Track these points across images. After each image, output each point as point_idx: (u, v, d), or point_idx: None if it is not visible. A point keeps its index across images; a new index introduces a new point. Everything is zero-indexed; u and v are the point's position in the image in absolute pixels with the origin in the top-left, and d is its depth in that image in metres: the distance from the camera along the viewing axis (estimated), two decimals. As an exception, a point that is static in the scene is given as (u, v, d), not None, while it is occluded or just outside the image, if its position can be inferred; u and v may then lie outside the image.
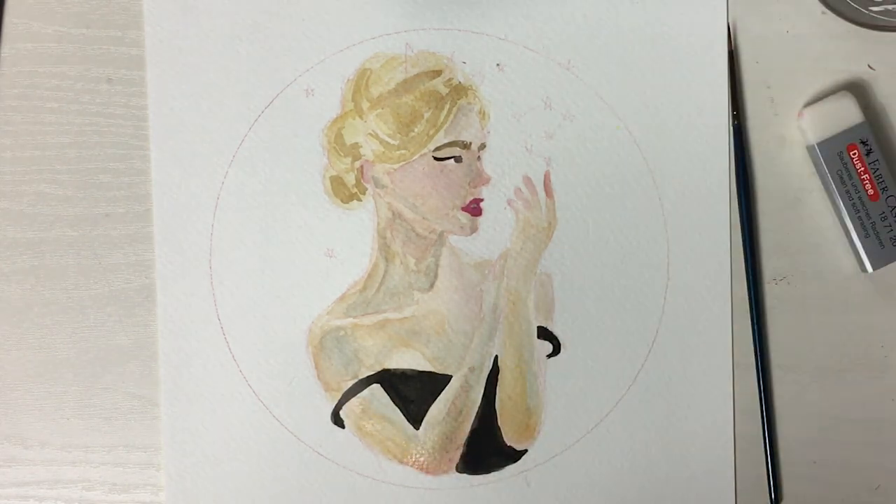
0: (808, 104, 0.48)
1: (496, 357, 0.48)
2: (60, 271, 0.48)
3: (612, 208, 0.49)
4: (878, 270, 0.48)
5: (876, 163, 0.47)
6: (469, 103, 0.48)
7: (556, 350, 0.48)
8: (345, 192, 0.48)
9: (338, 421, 0.48)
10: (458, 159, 0.48)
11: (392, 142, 0.48)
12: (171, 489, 0.48)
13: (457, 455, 0.48)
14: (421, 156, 0.48)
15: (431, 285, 0.48)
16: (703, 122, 0.48)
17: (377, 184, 0.48)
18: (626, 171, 0.48)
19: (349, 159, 0.48)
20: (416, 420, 0.48)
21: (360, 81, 0.48)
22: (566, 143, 0.48)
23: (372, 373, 0.48)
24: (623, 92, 0.48)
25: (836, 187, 0.47)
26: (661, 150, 0.49)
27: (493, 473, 0.48)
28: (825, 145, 0.47)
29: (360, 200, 0.48)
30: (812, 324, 0.49)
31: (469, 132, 0.48)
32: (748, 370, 0.49)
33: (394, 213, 0.48)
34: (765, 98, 0.49)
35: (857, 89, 0.49)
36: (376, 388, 0.48)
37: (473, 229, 0.48)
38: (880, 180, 0.47)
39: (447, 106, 0.48)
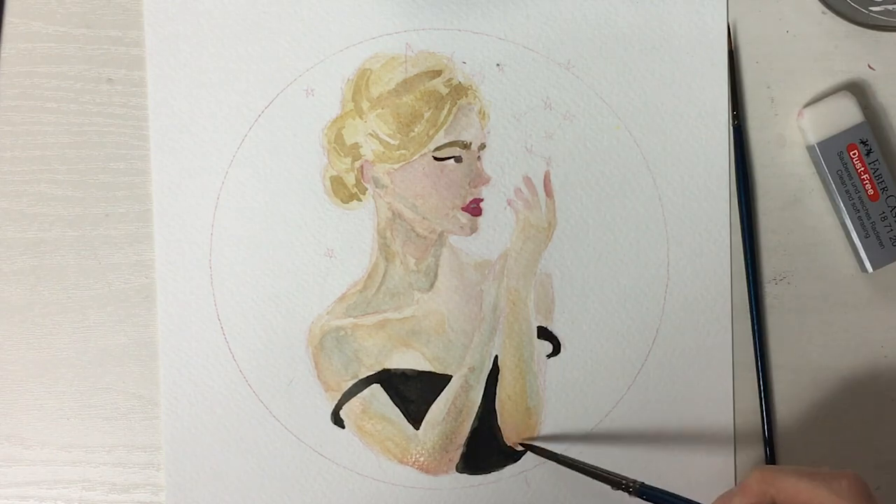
0: (808, 104, 0.48)
1: (496, 357, 0.48)
2: (60, 271, 0.48)
3: (612, 208, 0.49)
4: (878, 270, 0.48)
5: (876, 163, 0.47)
6: (469, 103, 0.48)
7: (556, 350, 0.48)
8: (345, 192, 0.48)
9: (338, 421, 0.48)
10: (458, 159, 0.48)
11: (392, 142, 0.48)
12: (171, 489, 0.48)
13: (457, 455, 0.48)
14: (421, 156, 0.48)
15: (431, 285, 0.48)
16: (703, 122, 0.48)
17: (377, 184, 0.48)
18: (626, 171, 0.48)
19: (349, 159, 0.48)
20: (416, 420, 0.48)
21: (361, 81, 0.48)
22: (566, 143, 0.48)
23: (372, 373, 0.48)
24: (623, 92, 0.48)
25: (836, 187, 0.47)
26: (661, 150, 0.49)
27: (493, 473, 0.48)
28: (825, 145, 0.47)
29: (360, 200, 0.48)
30: (812, 324, 0.49)
31: (469, 132, 0.48)
32: (748, 370, 0.49)
33: (394, 213, 0.48)
34: (765, 98, 0.49)
35: (857, 89, 0.49)
36: (376, 388, 0.48)
37: (473, 229, 0.48)
38: (880, 180, 0.47)
39: (447, 106, 0.48)
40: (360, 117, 0.48)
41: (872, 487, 0.37)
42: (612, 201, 0.49)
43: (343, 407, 0.48)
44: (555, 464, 0.47)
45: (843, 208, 0.47)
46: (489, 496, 0.48)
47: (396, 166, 0.48)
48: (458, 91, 0.48)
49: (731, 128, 0.49)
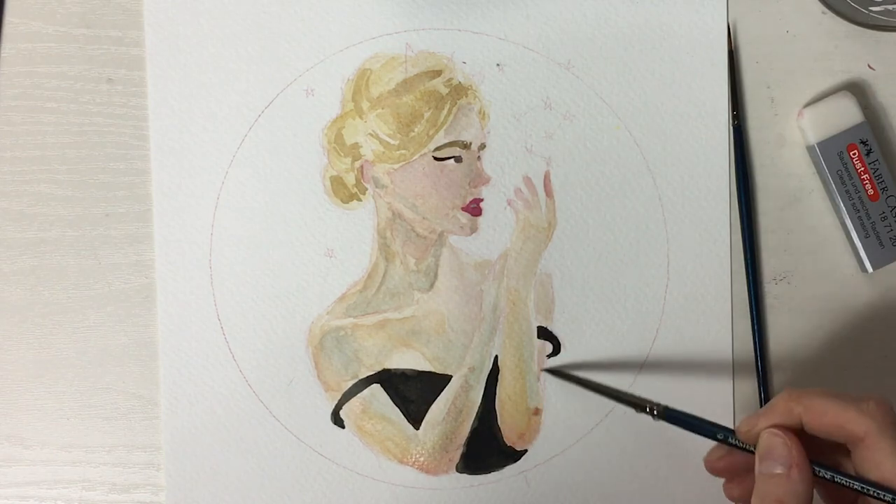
0: (808, 104, 0.48)
1: (496, 357, 0.48)
2: (60, 271, 0.48)
3: (612, 208, 0.49)
4: (878, 270, 0.48)
5: (876, 163, 0.47)
6: (469, 103, 0.48)
7: (556, 350, 0.48)
8: (345, 192, 0.48)
9: (338, 421, 0.48)
10: (458, 159, 0.48)
11: (392, 142, 0.48)
12: (171, 489, 0.48)
13: (457, 455, 0.48)
14: (421, 156, 0.48)
15: (431, 285, 0.48)
16: (703, 122, 0.48)
17: (377, 184, 0.48)
18: (626, 171, 0.49)
19: (349, 159, 0.48)
20: (416, 420, 0.48)
21: (360, 81, 0.48)
22: (566, 143, 0.48)
23: (372, 373, 0.48)
24: (623, 92, 0.48)
25: (836, 187, 0.47)
26: (661, 150, 0.49)
27: (493, 473, 0.48)
28: (825, 145, 0.47)
29: (360, 200, 0.48)
30: (812, 324, 0.49)
31: (469, 132, 0.48)
32: (748, 370, 0.49)
33: (394, 213, 0.48)
34: (765, 98, 0.49)
35: (857, 89, 0.49)
36: (376, 388, 0.48)
37: (473, 229, 0.48)
38: (880, 180, 0.47)
39: (447, 106, 0.48)
40: (360, 117, 0.48)
41: None
42: (612, 201, 0.49)
43: (343, 407, 0.48)
44: (554, 463, 0.47)
45: (843, 208, 0.47)
46: (489, 496, 0.48)
47: (396, 166, 0.48)
48: (458, 91, 0.48)
49: (731, 128, 0.49)
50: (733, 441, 0.39)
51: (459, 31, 0.48)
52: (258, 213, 0.48)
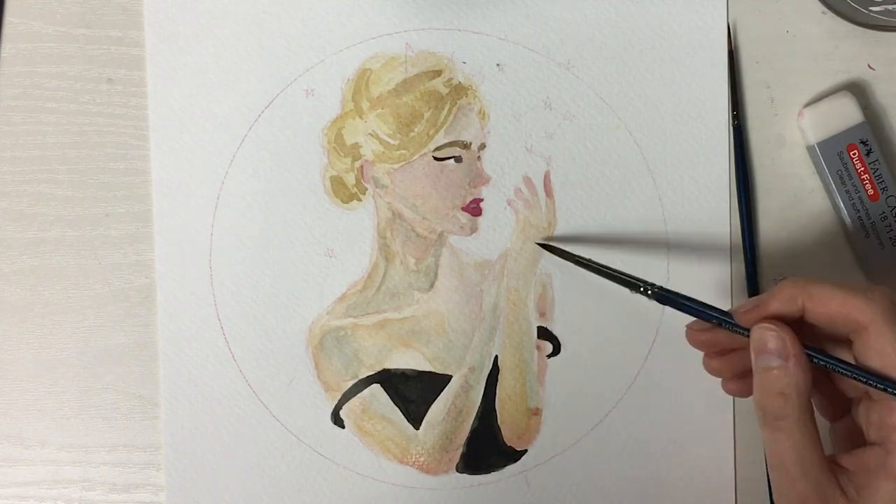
0: (808, 104, 0.48)
1: (496, 357, 0.48)
2: (60, 271, 0.48)
3: (612, 208, 0.49)
4: (878, 270, 0.48)
5: (876, 163, 0.47)
6: (469, 103, 0.48)
7: (556, 350, 0.48)
8: (345, 192, 0.48)
9: (338, 421, 0.48)
10: (458, 159, 0.48)
11: (392, 142, 0.48)
12: (171, 489, 0.48)
13: (457, 455, 0.48)
14: (421, 156, 0.48)
15: (431, 285, 0.48)
16: (703, 122, 0.48)
17: (377, 184, 0.48)
18: (626, 171, 0.49)
19: (349, 159, 0.48)
20: (416, 420, 0.48)
21: (360, 81, 0.48)
22: (566, 143, 0.48)
23: (372, 373, 0.48)
24: (623, 92, 0.48)
25: (836, 187, 0.47)
26: (661, 150, 0.49)
27: (493, 473, 0.48)
28: (825, 145, 0.47)
29: (360, 200, 0.48)
30: (812, 324, 0.49)
31: (469, 132, 0.48)
32: (748, 370, 0.49)
33: (394, 213, 0.48)
34: (765, 98, 0.49)
35: (857, 89, 0.49)
36: (376, 388, 0.48)
37: (473, 229, 0.48)
38: (880, 180, 0.47)
39: (447, 106, 0.48)
40: (360, 117, 0.48)
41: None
42: (612, 201, 0.49)
43: (343, 407, 0.48)
44: (554, 463, 0.47)
45: (843, 208, 0.47)
46: (489, 496, 0.48)
47: (396, 166, 0.48)
48: (458, 91, 0.48)
49: (731, 128, 0.49)
50: (728, 325, 0.38)
51: (459, 31, 0.48)
52: (258, 213, 0.48)
